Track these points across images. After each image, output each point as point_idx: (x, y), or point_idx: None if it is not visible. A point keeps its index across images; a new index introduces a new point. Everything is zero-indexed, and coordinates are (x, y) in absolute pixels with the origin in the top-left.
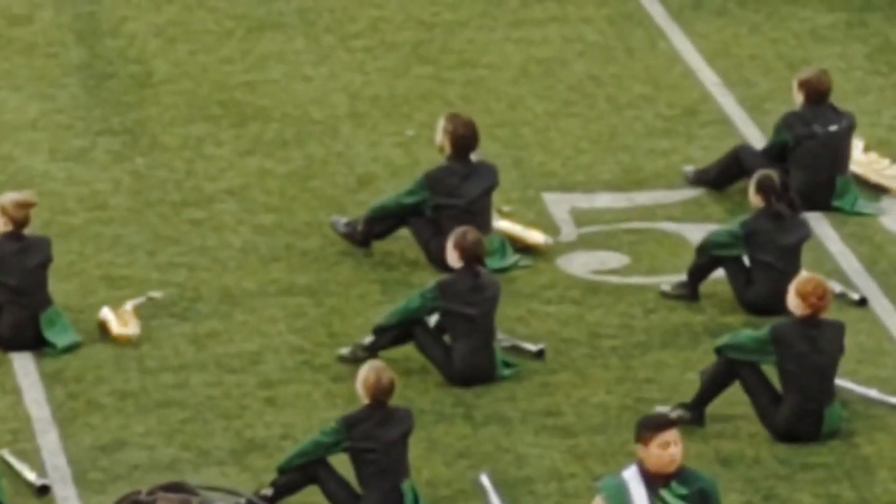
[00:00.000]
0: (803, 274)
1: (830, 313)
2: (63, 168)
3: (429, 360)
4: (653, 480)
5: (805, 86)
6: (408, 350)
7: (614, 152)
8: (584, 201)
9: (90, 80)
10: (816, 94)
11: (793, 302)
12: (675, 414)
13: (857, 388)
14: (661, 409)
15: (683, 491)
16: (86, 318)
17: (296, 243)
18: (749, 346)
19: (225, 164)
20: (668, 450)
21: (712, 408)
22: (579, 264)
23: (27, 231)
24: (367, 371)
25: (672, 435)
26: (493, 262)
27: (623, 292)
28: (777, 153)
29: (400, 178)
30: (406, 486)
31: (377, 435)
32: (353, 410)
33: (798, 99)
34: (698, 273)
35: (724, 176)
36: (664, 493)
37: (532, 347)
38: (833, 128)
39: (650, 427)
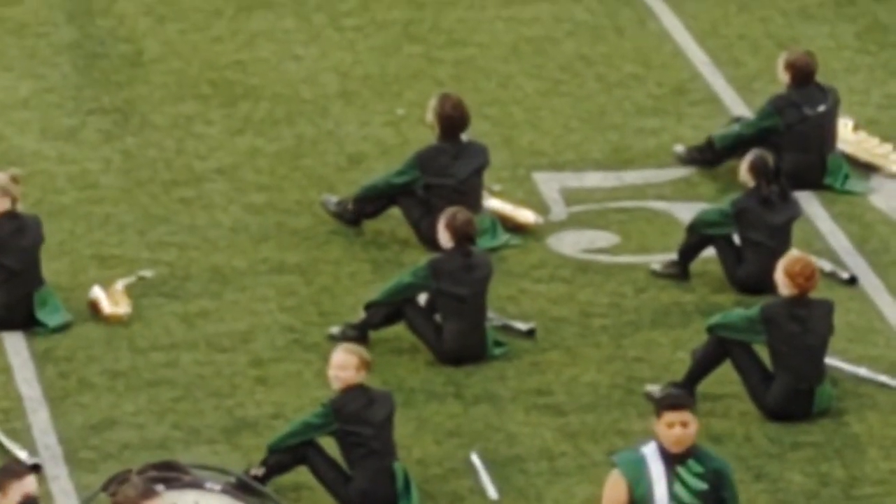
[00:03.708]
0: (791, 253)
1: (820, 292)
2: (53, 147)
3: (419, 339)
4: (670, 457)
5: (792, 67)
6: (398, 329)
7: (604, 131)
8: (573, 180)
9: (81, 59)
10: (803, 75)
11: (780, 281)
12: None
13: (847, 367)
14: (651, 388)
15: (699, 469)
16: (76, 297)
17: (286, 222)
18: (740, 325)
19: (215, 143)
20: (673, 430)
21: (703, 386)
22: (569, 243)
23: (20, 210)
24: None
25: (680, 416)
26: (483, 242)
27: (613, 271)
28: (764, 138)
29: (390, 157)
30: (397, 466)
31: (366, 417)
32: (340, 394)
33: (784, 79)
34: (689, 252)
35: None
36: (681, 470)
37: (523, 326)
38: (821, 108)
39: (662, 404)
